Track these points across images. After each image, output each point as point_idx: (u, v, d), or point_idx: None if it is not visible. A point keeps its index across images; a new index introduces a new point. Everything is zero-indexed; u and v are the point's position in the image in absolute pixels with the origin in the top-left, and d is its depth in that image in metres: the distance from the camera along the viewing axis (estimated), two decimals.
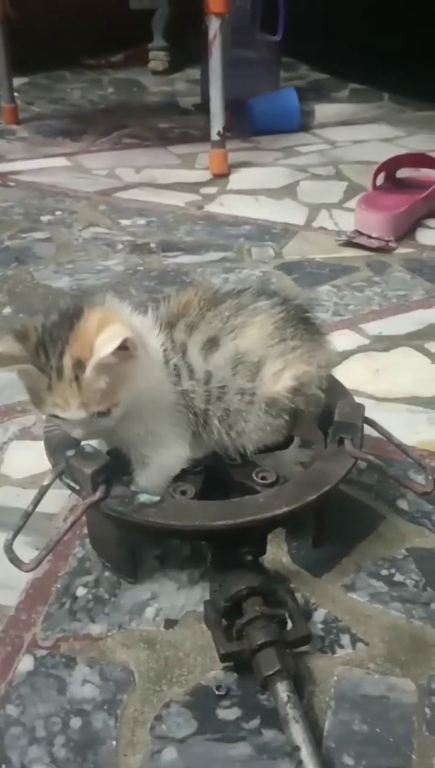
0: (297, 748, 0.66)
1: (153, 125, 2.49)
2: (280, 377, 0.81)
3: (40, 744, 0.70)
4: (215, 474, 0.86)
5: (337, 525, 0.91)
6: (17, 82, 2.57)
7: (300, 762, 0.65)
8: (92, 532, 0.89)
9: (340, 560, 0.88)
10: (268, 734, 0.71)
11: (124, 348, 0.71)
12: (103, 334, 0.70)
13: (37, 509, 0.85)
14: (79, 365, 0.72)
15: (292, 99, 2.38)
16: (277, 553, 0.89)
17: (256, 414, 0.82)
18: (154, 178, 2.04)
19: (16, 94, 2.49)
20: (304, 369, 0.82)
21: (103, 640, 0.79)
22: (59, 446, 0.81)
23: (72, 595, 0.84)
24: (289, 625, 0.76)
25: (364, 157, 2.17)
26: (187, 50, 3.07)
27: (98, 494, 0.76)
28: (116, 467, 0.79)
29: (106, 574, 0.87)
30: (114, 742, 0.70)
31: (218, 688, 0.74)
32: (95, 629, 0.80)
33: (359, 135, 2.41)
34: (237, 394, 0.81)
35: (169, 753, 0.69)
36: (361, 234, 1.66)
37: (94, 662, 0.77)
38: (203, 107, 2.53)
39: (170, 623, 0.81)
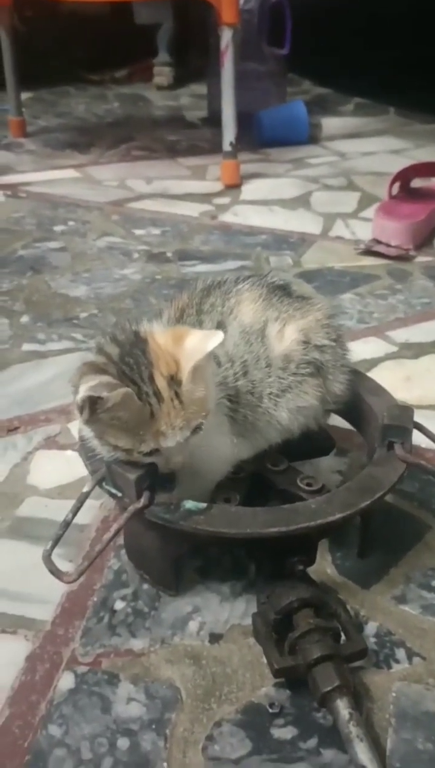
0: None
1: (161, 138, 2.48)
2: (284, 334, 0.83)
3: (87, 767, 0.66)
4: (257, 482, 0.83)
5: (382, 535, 0.88)
6: (21, 97, 2.55)
7: None
8: (129, 543, 0.85)
9: (387, 571, 0.85)
10: (328, 754, 0.67)
11: None
12: (191, 340, 0.71)
13: (59, 518, 0.82)
14: (172, 380, 0.70)
15: (301, 110, 2.38)
16: (321, 564, 0.85)
17: (277, 376, 0.82)
18: (166, 189, 2.02)
19: (23, 116, 2.48)
20: (303, 321, 0.84)
21: (146, 656, 0.75)
22: (95, 452, 0.77)
23: (110, 609, 0.80)
24: (343, 638, 0.73)
25: (376, 168, 2.17)
26: (192, 66, 3.08)
27: (143, 501, 0.72)
28: (157, 474, 0.76)
29: (145, 586, 0.83)
30: (165, 764, 0.66)
31: (271, 705, 0.70)
32: (137, 644, 0.77)
33: (368, 147, 2.40)
34: (256, 362, 0.81)
35: None
36: (380, 242, 1.64)
37: (138, 679, 0.73)
38: (210, 121, 2.53)
39: (215, 638, 0.77)
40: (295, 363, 0.82)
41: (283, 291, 0.88)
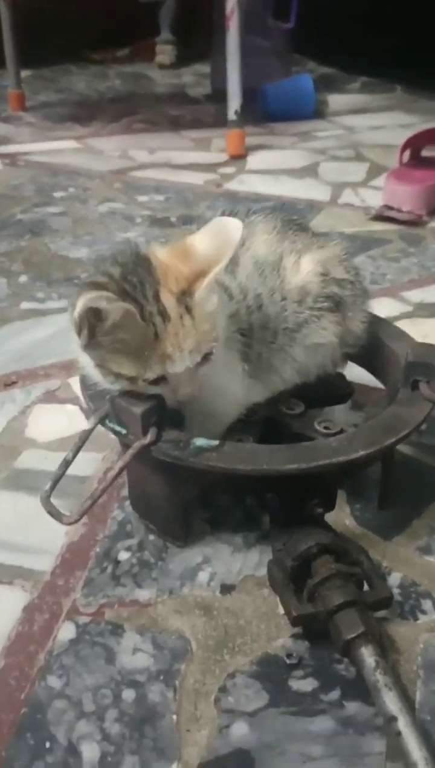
0: (393, 719, 0.56)
1: (163, 112, 2.42)
2: (300, 266, 0.78)
3: (90, 719, 0.60)
4: (271, 426, 0.78)
5: (402, 486, 0.82)
6: (21, 74, 2.49)
7: (398, 734, 0.56)
8: (134, 491, 0.79)
9: (410, 522, 0.79)
10: (352, 707, 0.61)
11: None
12: (205, 248, 0.66)
13: (70, 472, 0.76)
14: (184, 295, 0.65)
15: (308, 84, 2.33)
16: (338, 516, 0.80)
17: (293, 310, 0.77)
18: (170, 159, 1.97)
19: (23, 89, 2.42)
20: (321, 253, 0.80)
21: (153, 607, 0.70)
22: (98, 389, 0.72)
23: (114, 560, 0.75)
24: (365, 588, 0.67)
25: (384, 141, 2.11)
26: (195, 45, 3.02)
27: (149, 437, 0.67)
28: (165, 410, 0.70)
29: (151, 537, 0.77)
30: (174, 717, 0.61)
31: (289, 656, 0.65)
32: (143, 595, 0.71)
33: (376, 122, 2.35)
34: (271, 296, 0.76)
35: (240, 728, 0.60)
36: (391, 208, 1.59)
37: (144, 630, 0.68)
38: (214, 97, 2.48)
39: (227, 588, 0.72)
40: (312, 296, 0.77)
41: (298, 226, 0.83)
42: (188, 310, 0.64)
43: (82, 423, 0.95)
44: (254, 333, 0.75)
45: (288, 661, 0.65)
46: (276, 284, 0.77)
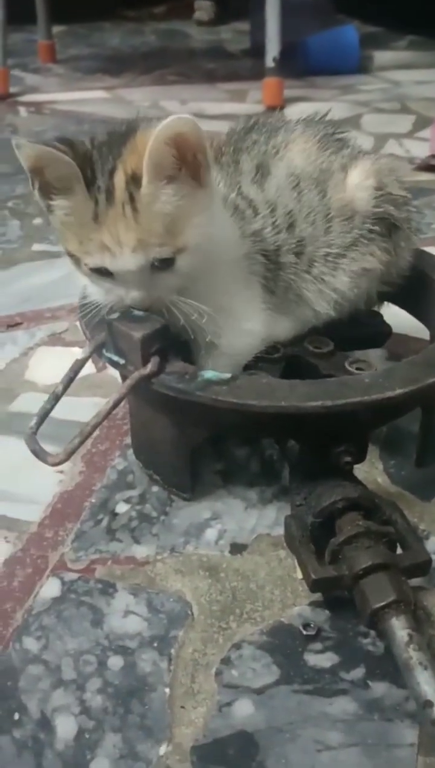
0: (428, 704, 0.46)
1: (198, 66, 2.31)
2: (348, 179, 0.67)
3: (68, 688, 0.51)
4: (295, 367, 0.67)
5: None
6: (54, 30, 2.40)
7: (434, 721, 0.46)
8: (137, 437, 0.70)
9: None
10: (379, 688, 0.52)
11: (187, 151, 0.55)
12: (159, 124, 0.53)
13: (69, 417, 0.68)
14: (135, 180, 0.54)
15: (352, 36, 2.19)
16: (370, 472, 0.70)
17: (339, 231, 0.66)
18: (202, 110, 1.86)
19: (54, 40, 2.33)
20: (372, 165, 0.68)
21: (151, 565, 0.61)
22: (98, 317, 0.63)
23: (111, 512, 0.66)
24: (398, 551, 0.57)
25: (432, 94, 1.97)
26: (234, 1, 2.89)
27: (150, 367, 0.57)
28: (170, 340, 0.60)
29: (155, 489, 0.68)
30: (167, 690, 0.51)
31: (306, 627, 0.55)
32: (140, 551, 0.62)
33: (423, 77, 2.20)
34: (306, 216, 0.65)
35: (244, 706, 0.50)
36: None
37: (139, 590, 0.59)
38: (252, 53, 2.36)
39: (238, 548, 0.62)
40: (361, 215, 0.66)
41: (340, 142, 0.71)
42: (132, 199, 0.54)
43: (88, 367, 0.86)
44: (282, 258, 0.65)
45: (305, 632, 0.55)
46: (314, 203, 0.66)
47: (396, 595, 0.51)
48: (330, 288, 0.67)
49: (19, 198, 1.32)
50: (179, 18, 3.02)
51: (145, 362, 0.57)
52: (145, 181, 0.54)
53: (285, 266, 0.66)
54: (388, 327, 0.74)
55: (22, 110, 1.86)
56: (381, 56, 2.45)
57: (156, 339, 0.58)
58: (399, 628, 0.50)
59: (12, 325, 0.95)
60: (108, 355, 0.61)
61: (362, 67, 2.27)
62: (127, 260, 0.56)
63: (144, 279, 0.57)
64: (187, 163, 0.55)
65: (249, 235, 0.64)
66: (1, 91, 1.91)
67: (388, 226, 0.68)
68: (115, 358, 0.60)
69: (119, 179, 0.55)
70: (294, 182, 0.66)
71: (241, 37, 2.69)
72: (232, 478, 0.69)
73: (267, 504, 0.67)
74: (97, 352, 0.61)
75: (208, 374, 0.58)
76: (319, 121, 0.73)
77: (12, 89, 1.98)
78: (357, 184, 0.67)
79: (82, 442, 0.57)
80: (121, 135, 0.58)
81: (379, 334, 0.74)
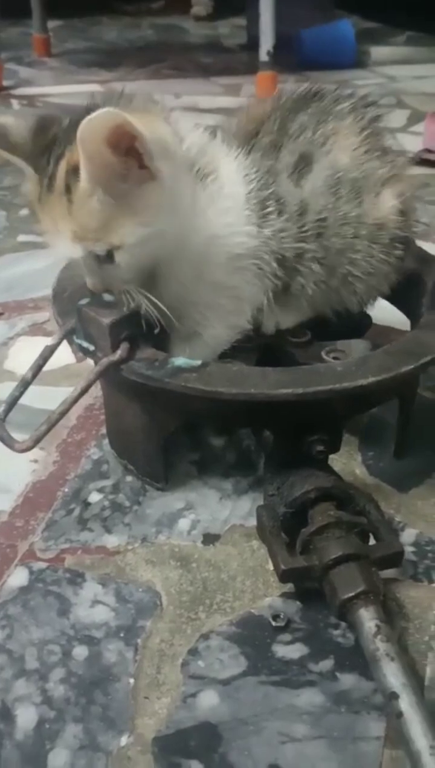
0: (394, 696, 0.45)
1: (194, 60, 2.30)
2: (381, 197, 0.62)
3: (30, 678, 0.51)
4: (272, 356, 0.66)
5: (422, 433, 0.71)
6: (51, 24, 2.39)
7: (400, 714, 0.45)
8: (111, 426, 0.69)
9: (430, 474, 0.68)
10: (347, 680, 0.51)
11: (127, 146, 0.51)
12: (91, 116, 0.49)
13: (43, 406, 0.67)
14: (75, 172, 0.53)
15: (348, 30, 2.18)
16: (348, 464, 0.69)
17: (366, 252, 0.62)
18: (196, 103, 1.85)
19: (49, 34, 2.32)
20: (401, 184, 0.64)
21: (122, 555, 0.60)
22: (71, 304, 0.62)
23: (83, 501, 0.65)
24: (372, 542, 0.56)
25: (428, 89, 1.96)
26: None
27: (119, 353, 0.57)
28: (139, 326, 0.59)
29: (129, 479, 0.67)
30: (131, 680, 0.51)
31: (276, 618, 0.55)
32: (111, 541, 0.61)
33: (420, 72, 2.19)
34: (342, 225, 0.61)
35: (209, 697, 0.50)
36: (431, 151, 1.45)
37: (108, 580, 0.58)
38: (249, 47, 2.34)
39: (210, 539, 0.62)
40: (387, 237, 0.63)
41: (379, 136, 0.66)
42: (69, 191, 0.53)
43: (68, 357, 0.85)
44: (303, 265, 0.61)
45: (274, 624, 0.54)
46: (350, 213, 0.61)
47: (365, 585, 0.51)
48: (340, 299, 0.66)
49: (6, 189, 1.31)
50: (177, 13, 3.00)
51: (114, 348, 0.57)
52: (82, 176, 0.52)
53: (305, 274, 0.62)
54: (368, 318, 0.73)
55: (15, 103, 1.85)
56: (378, 51, 2.44)
57: (125, 325, 0.57)
58: (367, 619, 0.49)
59: None
60: (78, 341, 0.60)
61: (359, 62, 2.26)
62: (66, 248, 0.55)
63: (92, 267, 0.56)
64: (131, 155, 0.52)
65: (265, 234, 0.60)
66: None
67: (406, 245, 0.65)
68: (85, 344, 0.59)
69: (61, 168, 0.54)
70: (335, 184, 0.61)
71: (239, 32, 2.68)
72: (208, 468, 0.68)
73: (242, 495, 0.66)
74: (67, 339, 0.60)
75: (179, 361, 0.57)
76: (368, 104, 0.66)
77: (5, 82, 1.97)
78: (390, 206, 0.63)
79: (49, 429, 0.56)
80: (78, 120, 0.57)
81: (360, 325, 0.72)
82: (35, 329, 0.92)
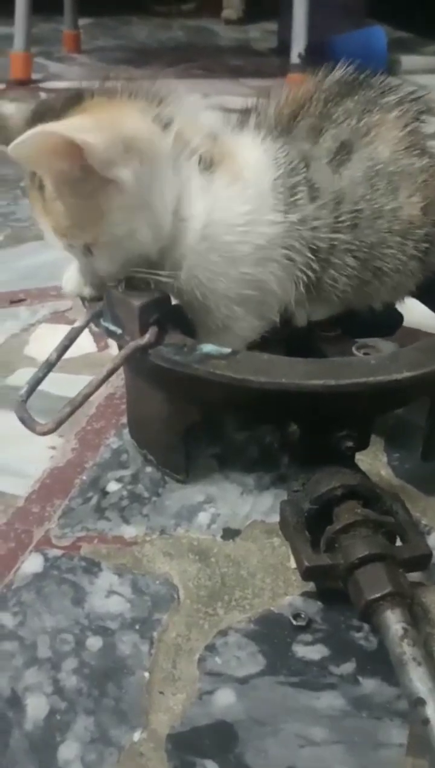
0: (420, 702, 0.44)
1: (224, 62, 2.30)
2: (415, 195, 0.60)
3: (42, 667, 0.49)
4: (300, 350, 0.65)
5: None
6: (82, 22, 2.39)
7: (426, 721, 0.43)
8: (132, 415, 0.68)
9: None
10: (369, 684, 0.49)
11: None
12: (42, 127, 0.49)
13: (65, 393, 0.65)
14: None
15: (380, 38, 2.16)
16: (373, 465, 0.67)
17: (398, 246, 0.60)
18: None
19: (79, 30, 2.33)
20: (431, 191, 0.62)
21: (139, 545, 0.58)
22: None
23: (101, 490, 0.64)
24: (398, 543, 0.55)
25: None
26: (264, 1, 2.88)
27: (147, 337, 0.55)
28: (170, 312, 0.58)
29: (148, 469, 0.66)
30: (146, 674, 0.49)
31: (296, 617, 0.53)
32: (129, 531, 0.60)
33: None
34: (376, 219, 0.59)
35: (225, 695, 0.48)
36: None
37: (124, 570, 0.56)
38: (279, 51, 2.34)
39: (230, 533, 0.60)
40: (419, 234, 0.62)
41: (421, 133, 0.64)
42: (41, 188, 0.53)
43: (89, 345, 0.84)
44: (335, 257, 0.59)
45: (295, 623, 0.52)
46: (386, 207, 0.59)
47: (392, 586, 0.49)
48: (370, 294, 0.64)
49: None
50: (208, 15, 3.01)
51: (142, 332, 0.55)
52: (46, 180, 0.52)
53: (338, 267, 0.60)
54: (400, 316, 0.71)
55: (43, 96, 1.85)
56: (409, 60, 2.42)
57: (155, 308, 0.55)
58: (394, 621, 0.47)
59: (15, 301, 0.93)
60: (105, 324, 0.58)
61: (390, 71, 2.24)
62: (53, 240, 0.56)
63: (81, 258, 0.57)
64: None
65: (292, 220, 0.58)
66: (23, 76, 1.90)
67: (431, 245, 0.63)
68: (112, 327, 0.58)
69: None
70: (373, 177, 0.59)
71: (269, 37, 2.67)
72: (229, 462, 0.67)
73: (264, 490, 0.64)
74: (94, 321, 0.59)
75: (208, 348, 0.55)
76: (414, 99, 0.64)
77: (34, 76, 1.97)
78: (419, 205, 0.61)
79: (72, 412, 0.55)
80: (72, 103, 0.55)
81: (390, 322, 0.71)
82: (57, 317, 0.90)
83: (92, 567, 0.56)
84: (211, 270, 0.57)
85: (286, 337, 0.63)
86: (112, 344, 0.83)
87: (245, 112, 0.62)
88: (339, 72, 0.63)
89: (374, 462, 0.67)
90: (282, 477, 0.65)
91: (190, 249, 0.56)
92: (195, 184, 0.56)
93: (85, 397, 0.55)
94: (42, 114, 0.54)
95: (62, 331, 0.87)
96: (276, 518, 0.60)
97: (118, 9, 2.90)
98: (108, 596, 0.54)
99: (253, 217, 0.57)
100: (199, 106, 0.61)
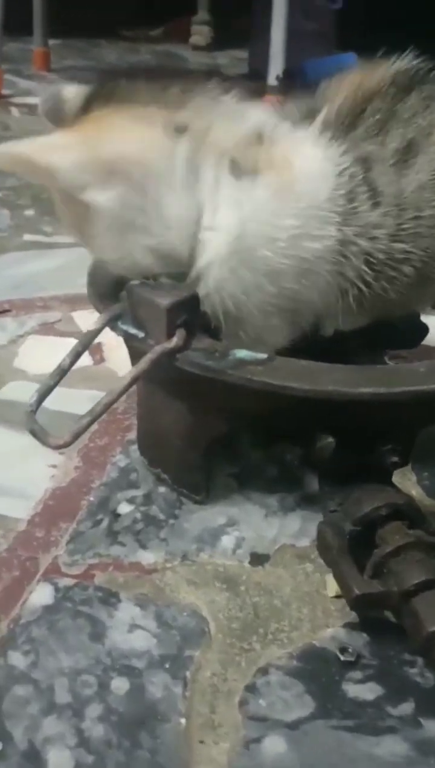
0: None
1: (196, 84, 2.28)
2: None
3: (62, 714, 0.42)
4: (327, 357, 0.60)
5: None
6: (51, 42, 2.35)
7: None
8: (144, 430, 0.62)
9: None
10: (432, 726, 0.43)
11: None
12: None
13: (60, 408, 0.60)
14: None
15: (351, 64, 2.17)
16: (402, 484, 0.62)
17: None
18: None
19: (49, 49, 2.29)
20: None
21: (160, 573, 0.52)
22: (110, 286, 0.55)
23: (112, 512, 0.58)
24: None
25: None
26: (233, 27, 2.89)
27: (175, 340, 0.50)
28: (198, 313, 0.53)
29: (162, 489, 0.60)
30: (182, 720, 0.43)
31: (343, 651, 0.47)
32: (147, 557, 0.54)
33: None
34: (433, 227, 0.54)
35: (275, 743, 0.42)
36: None
37: (146, 601, 0.50)
38: (251, 77, 2.33)
39: (258, 559, 0.54)
40: None
41: None
42: None
43: (85, 358, 0.78)
44: (394, 268, 0.54)
45: (342, 658, 0.47)
46: None
47: None
48: (410, 302, 0.60)
49: (9, 189, 1.24)
50: (176, 40, 3.00)
51: (169, 335, 0.50)
52: None
53: (392, 279, 0.54)
54: (425, 328, 0.67)
55: (15, 111, 1.80)
56: None
57: (184, 309, 0.50)
58: None
59: (0, 311, 0.87)
60: (124, 327, 0.53)
61: None
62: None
63: None
64: None
65: (350, 233, 0.52)
66: None
67: None
68: (133, 330, 0.52)
69: None
70: None
71: (238, 63, 2.67)
72: (248, 482, 0.61)
73: (289, 512, 0.59)
74: (111, 324, 0.53)
75: (241, 353, 0.50)
76: None
77: (5, 91, 1.92)
78: None
79: (91, 423, 0.49)
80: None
81: (414, 335, 0.67)
82: (46, 329, 0.84)
83: (110, 598, 0.50)
84: (243, 284, 0.52)
85: (316, 345, 0.58)
86: (110, 357, 0.78)
87: (311, 107, 0.57)
88: (401, 63, 0.57)
89: (403, 480, 0.63)
90: (307, 497, 0.60)
91: (218, 262, 0.51)
92: (225, 192, 0.51)
93: (106, 407, 0.49)
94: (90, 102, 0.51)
95: (52, 343, 0.82)
96: (306, 542, 0.55)
97: (87, 31, 2.88)
98: (131, 631, 0.48)
99: (300, 231, 0.52)
100: (234, 107, 0.55)
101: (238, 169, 0.52)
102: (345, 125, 0.54)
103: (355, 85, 0.56)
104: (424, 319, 0.68)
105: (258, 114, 0.56)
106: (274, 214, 0.51)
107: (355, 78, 0.57)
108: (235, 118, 0.54)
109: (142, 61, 2.67)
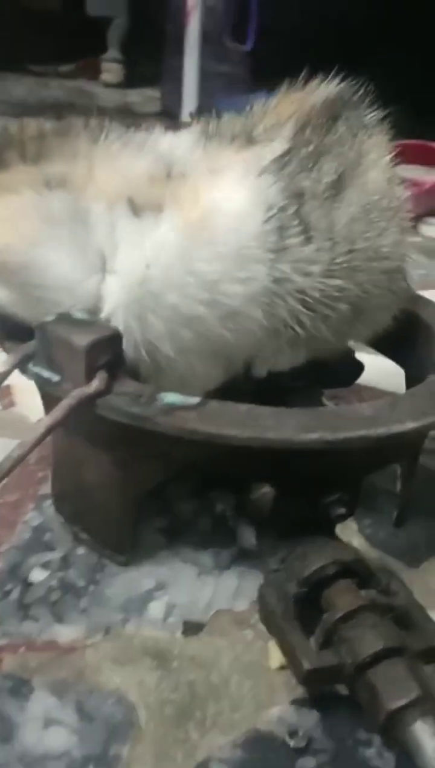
0: None
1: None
2: (400, 228, 0.54)
3: None
4: (264, 401, 0.55)
5: (419, 500, 0.61)
6: None
7: None
8: (63, 482, 0.55)
9: None
10: None
11: None
12: None
13: None
14: None
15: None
16: (343, 533, 0.57)
17: (386, 285, 0.53)
18: None
19: None
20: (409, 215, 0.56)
21: (80, 651, 0.45)
22: (20, 321, 0.49)
23: (23, 581, 0.50)
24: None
25: None
26: (144, 66, 2.89)
27: (96, 384, 0.44)
28: (121, 357, 0.47)
29: (81, 550, 0.53)
30: None
31: (293, 735, 0.42)
32: (65, 633, 0.47)
33: None
34: (370, 261, 0.51)
35: None
36: None
37: (64, 688, 0.43)
38: (164, 116, 2.33)
39: (192, 628, 0.48)
40: (400, 272, 0.55)
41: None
42: None
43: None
44: (329, 306, 0.50)
45: (292, 744, 0.41)
46: (382, 247, 0.51)
47: (419, 689, 0.39)
48: (346, 338, 0.56)
49: None
50: (87, 77, 2.98)
51: (89, 378, 0.44)
52: None
53: (326, 318, 0.51)
54: (360, 366, 0.63)
55: None
56: None
57: (104, 349, 0.44)
58: (428, 735, 0.38)
59: None
60: (36, 369, 0.46)
61: None
62: None
63: None
64: None
65: (282, 271, 0.48)
66: None
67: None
68: (47, 373, 0.46)
69: None
70: (369, 213, 0.51)
71: (150, 101, 2.66)
72: (178, 537, 0.55)
73: (224, 570, 0.53)
74: (20, 367, 0.47)
75: (170, 397, 0.45)
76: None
77: None
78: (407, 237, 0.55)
79: (2, 479, 0.42)
80: None
81: (350, 373, 0.63)
82: None
83: (20, 687, 0.43)
84: (154, 332, 0.47)
85: (252, 388, 0.53)
86: (20, 402, 0.71)
87: (242, 128, 0.52)
88: (326, 89, 0.54)
89: (344, 530, 0.58)
90: (243, 552, 0.54)
91: (122, 308, 0.47)
92: (121, 233, 0.47)
93: (17, 461, 0.42)
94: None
95: None
96: (244, 604, 0.50)
97: None
98: (45, 727, 0.41)
99: (218, 276, 0.47)
100: (124, 146, 0.51)
101: (137, 208, 0.47)
102: (278, 156, 0.49)
103: (286, 114, 0.52)
104: (359, 356, 0.65)
105: (166, 145, 0.51)
106: (181, 257, 0.46)
107: (284, 105, 0.54)
108: (127, 155, 0.50)
109: (52, 95, 2.63)
